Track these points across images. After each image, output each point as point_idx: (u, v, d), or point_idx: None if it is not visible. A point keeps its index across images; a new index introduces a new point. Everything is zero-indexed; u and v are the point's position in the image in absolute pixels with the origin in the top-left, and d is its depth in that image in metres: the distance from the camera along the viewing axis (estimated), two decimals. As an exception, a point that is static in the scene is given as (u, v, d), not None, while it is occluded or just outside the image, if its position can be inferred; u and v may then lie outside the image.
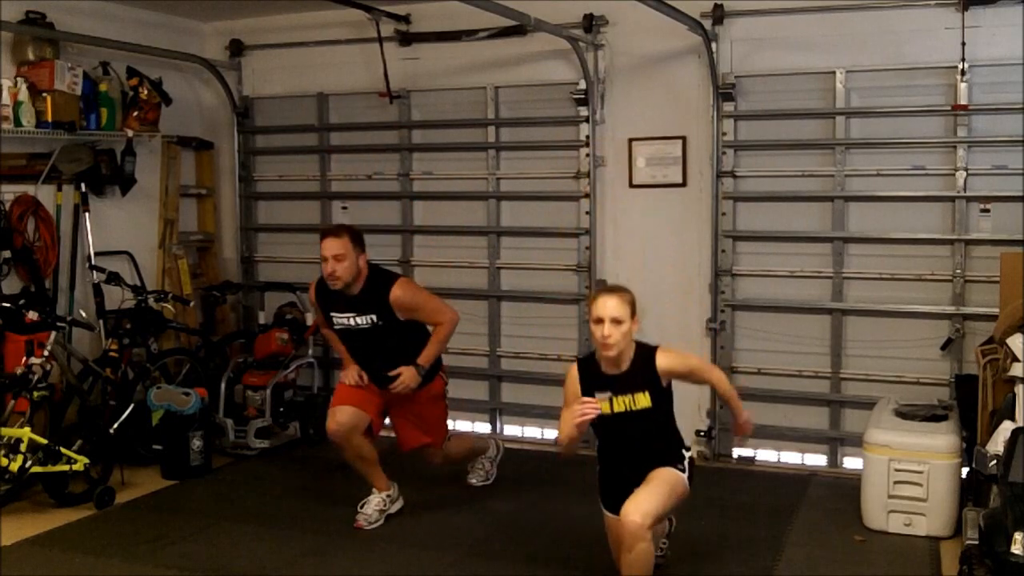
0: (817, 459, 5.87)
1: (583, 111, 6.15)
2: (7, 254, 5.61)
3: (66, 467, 5.04)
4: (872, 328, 5.68)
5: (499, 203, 6.56)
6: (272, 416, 6.21)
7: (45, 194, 5.95)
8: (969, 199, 5.40)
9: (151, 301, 6.03)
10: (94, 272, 6.08)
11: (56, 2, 5.89)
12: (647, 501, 3.67)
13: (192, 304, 6.68)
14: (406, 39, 6.58)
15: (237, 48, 7.15)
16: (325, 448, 6.33)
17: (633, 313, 3.78)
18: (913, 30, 5.41)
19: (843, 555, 4.50)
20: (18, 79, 5.64)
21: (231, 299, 7.15)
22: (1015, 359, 4.11)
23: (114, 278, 6.00)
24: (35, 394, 5.07)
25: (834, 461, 5.82)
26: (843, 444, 5.79)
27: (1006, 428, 3.87)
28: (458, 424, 6.73)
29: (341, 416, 4.83)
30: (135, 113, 6.28)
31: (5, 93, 5.52)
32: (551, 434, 6.39)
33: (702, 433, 5.93)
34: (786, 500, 5.23)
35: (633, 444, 3.88)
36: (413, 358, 4.83)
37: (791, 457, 5.94)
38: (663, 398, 3.85)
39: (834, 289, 5.73)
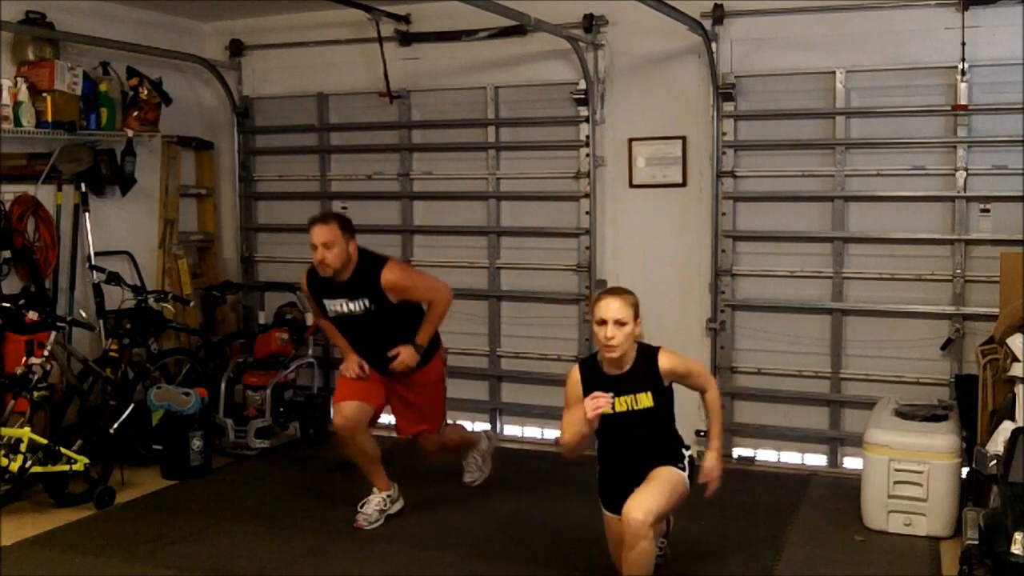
0: (817, 459, 5.87)
1: (583, 111, 6.15)
2: (7, 254, 5.61)
3: (66, 467, 5.04)
4: (872, 328, 5.68)
5: (499, 203, 6.56)
6: (272, 416, 6.21)
7: (45, 194, 5.95)
8: (969, 199, 5.40)
9: (151, 301, 6.03)
10: (94, 272, 6.09)
11: (56, 2, 5.89)
12: (649, 499, 3.67)
13: (192, 304, 6.68)
14: (406, 39, 6.58)
15: (237, 48, 7.16)
16: (325, 448, 6.36)
17: (636, 315, 3.79)
18: (913, 30, 5.41)
19: (843, 555, 4.50)
20: (18, 79, 5.64)
21: (231, 299, 7.15)
22: (1015, 359, 4.11)
23: (114, 278, 6.00)
24: (35, 394, 5.07)
25: (834, 461, 5.82)
26: (843, 444, 5.79)
27: (1006, 428, 3.87)
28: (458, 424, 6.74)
29: (347, 410, 4.83)
30: (135, 113, 6.28)
31: (5, 93, 5.52)
32: (551, 434, 6.39)
33: (702, 433, 5.87)
34: (786, 500, 5.24)
35: (634, 444, 3.88)
36: (410, 338, 4.81)
37: (791, 457, 5.94)
38: (665, 398, 3.86)
39: (834, 289, 5.73)
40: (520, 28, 5.86)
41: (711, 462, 3.92)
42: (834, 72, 5.59)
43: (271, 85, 7.17)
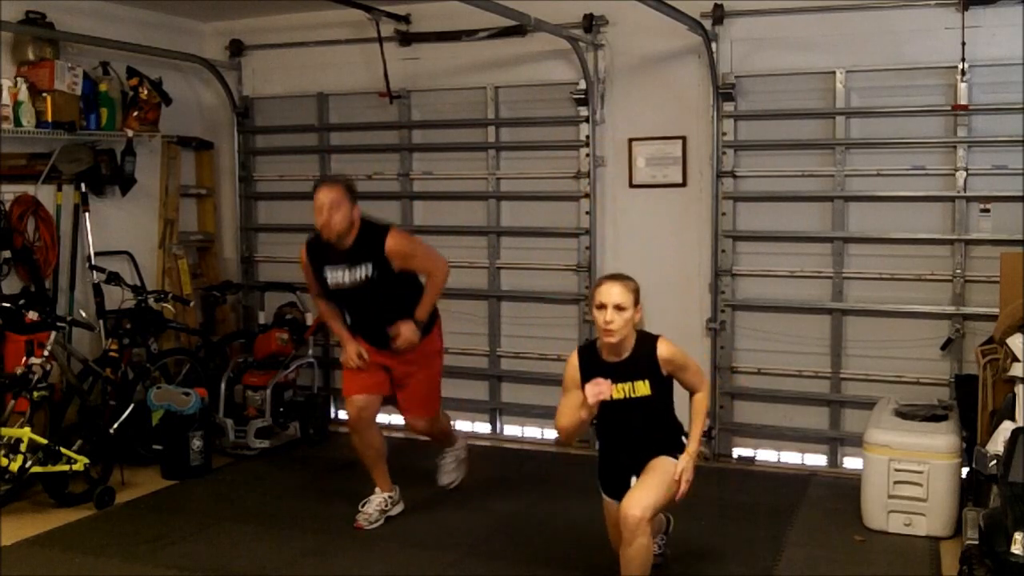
0: (817, 459, 5.87)
1: (583, 111, 6.15)
2: (7, 254, 5.61)
3: (66, 467, 5.04)
4: (872, 328, 5.68)
5: (499, 203, 6.56)
6: (272, 416, 6.21)
7: (45, 194, 5.94)
8: (969, 199, 5.40)
9: (151, 301, 6.03)
10: (94, 272, 6.08)
11: (56, 2, 5.89)
12: (646, 495, 3.66)
13: (192, 304, 6.67)
14: (406, 39, 6.58)
15: (237, 48, 7.15)
16: (325, 448, 6.36)
17: (636, 301, 3.77)
18: (913, 30, 5.41)
19: (843, 555, 4.50)
20: (18, 79, 5.64)
21: (231, 299, 7.15)
22: (1015, 359, 4.11)
23: (114, 278, 6.00)
24: (35, 394, 5.07)
25: (834, 461, 5.82)
26: (843, 444, 5.79)
27: (1006, 428, 3.87)
28: (458, 424, 6.73)
29: (360, 402, 4.84)
30: (135, 113, 6.28)
31: (5, 93, 5.52)
32: (551, 434, 6.39)
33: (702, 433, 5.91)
34: (786, 500, 5.23)
35: (632, 432, 3.86)
36: (409, 313, 4.77)
37: (791, 457, 5.94)
38: (663, 387, 3.83)
39: (834, 289, 5.73)
40: (520, 28, 5.86)
41: (684, 463, 3.82)
42: (834, 72, 5.60)
43: (271, 85, 7.17)
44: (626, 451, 3.89)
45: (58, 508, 5.08)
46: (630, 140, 6.08)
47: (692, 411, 3.93)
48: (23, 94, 5.60)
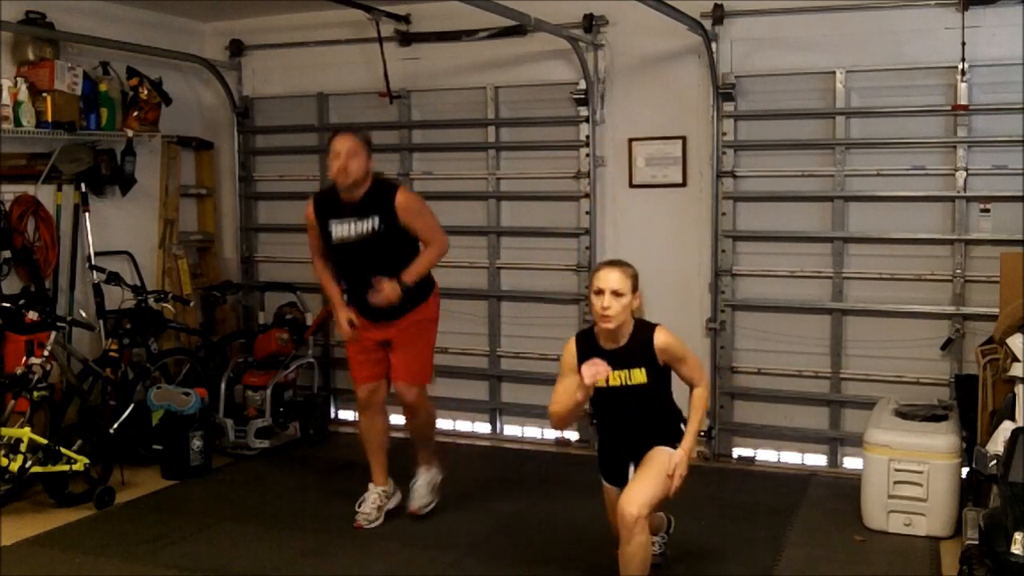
0: (817, 459, 5.87)
1: (583, 111, 6.15)
2: (7, 254, 5.61)
3: (66, 467, 5.04)
4: (872, 328, 5.68)
5: (499, 203, 6.56)
6: (272, 416, 6.21)
7: (45, 194, 5.94)
8: (969, 199, 5.40)
9: (151, 301, 6.03)
10: (94, 272, 6.08)
11: (56, 2, 5.89)
12: (643, 492, 3.65)
13: (192, 304, 6.67)
14: (406, 39, 6.58)
15: (237, 48, 7.15)
16: (325, 448, 6.36)
17: (635, 288, 3.76)
18: (913, 30, 5.41)
19: (843, 555, 4.50)
20: (18, 79, 5.64)
21: (231, 299, 7.15)
22: (1015, 359, 4.11)
23: (114, 278, 5.99)
24: (35, 394, 5.07)
25: (834, 461, 5.82)
26: (843, 444, 5.78)
27: (1006, 428, 3.87)
28: (458, 424, 6.74)
29: (369, 388, 4.90)
30: (135, 113, 6.28)
31: (5, 93, 5.51)
32: (551, 434, 6.40)
33: (702, 433, 5.92)
34: (786, 500, 5.23)
35: (629, 420, 3.84)
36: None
37: (791, 457, 5.94)
38: (660, 376, 3.80)
39: (834, 289, 5.73)
40: (520, 28, 5.86)
41: (678, 457, 3.76)
42: (834, 72, 5.59)
43: (271, 85, 7.17)
44: (623, 439, 3.87)
45: (58, 508, 5.08)
46: (630, 140, 6.08)
47: (691, 407, 3.89)
48: (23, 94, 5.59)
